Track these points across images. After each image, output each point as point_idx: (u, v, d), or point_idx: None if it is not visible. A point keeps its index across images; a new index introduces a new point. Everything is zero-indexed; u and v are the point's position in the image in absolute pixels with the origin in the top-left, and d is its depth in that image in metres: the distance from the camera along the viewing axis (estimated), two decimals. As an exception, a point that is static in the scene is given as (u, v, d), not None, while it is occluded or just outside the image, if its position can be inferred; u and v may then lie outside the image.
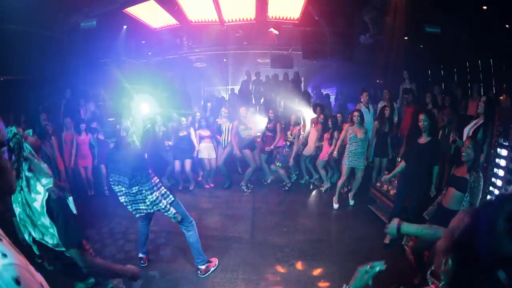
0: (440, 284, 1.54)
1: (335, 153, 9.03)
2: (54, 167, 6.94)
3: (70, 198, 6.33)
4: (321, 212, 8.86)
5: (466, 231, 1.43)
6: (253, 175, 10.26)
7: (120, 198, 5.35)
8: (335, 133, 9.53)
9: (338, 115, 10.31)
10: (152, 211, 5.38)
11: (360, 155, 8.56)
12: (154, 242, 6.89)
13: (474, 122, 6.85)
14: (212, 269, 5.94)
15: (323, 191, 10.07)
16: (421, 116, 6.45)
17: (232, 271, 5.97)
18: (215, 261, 6.08)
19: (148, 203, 5.21)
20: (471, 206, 4.64)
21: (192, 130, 10.05)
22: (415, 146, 6.54)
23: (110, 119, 5.22)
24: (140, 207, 5.35)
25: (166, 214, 5.36)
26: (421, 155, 6.44)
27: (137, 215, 5.51)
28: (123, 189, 5.18)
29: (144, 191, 5.13)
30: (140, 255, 6.11)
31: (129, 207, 5.38)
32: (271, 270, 6.01)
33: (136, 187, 5.11)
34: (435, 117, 7.26)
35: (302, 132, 10.05)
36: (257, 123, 10.57)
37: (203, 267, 5.80)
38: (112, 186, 5.36)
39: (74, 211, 5.96)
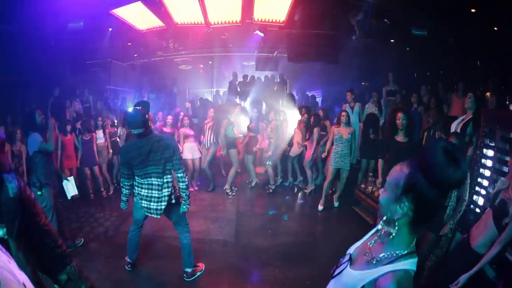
0: (393, 231, 1.85)
1: (323, 154, 9.11)
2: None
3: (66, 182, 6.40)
4: (306, 214, 8.92)
5: (414, 174, 1.73)
6: (236, 177, 10.24)
7: (140, 194, 5.38)
8: (315, 130, 9.56)
9: (320, 111, 10.35)
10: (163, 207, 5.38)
11: (346, 156, 8.59)
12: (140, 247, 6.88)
13: (462, 118, 6.88)
14: (199, 273, 5.91)
15: (307, 193, 10.09)
16: (400, 114, 6.48)
17: (217, 274, 5.96)
18: (202, 266, 6.06)
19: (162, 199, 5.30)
20: (459, 200, 4.77)
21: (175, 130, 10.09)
22: (394, 144, 6.57)
23: (137, 107, 5.19)
24: (157, 206, 5.37)
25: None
26: (399, 153, 6.47)
27: (151, 215, 5.45)
28: (155, 181, 5.24)
29: (166, 184, 5.26)
30: (129, 260, 6.04)
31: (148, 203, 5.38)
32: (256, 273, 6.03)
33: (165, 177, 5.25)
34: (412, 118, 7.29)
35: (282, 129, 10.07)
36: (240, 123, 10.56)
37: (189, 270, 5.78)
38: (138, 183, 5.36)
39: (76, 192, 5.96)
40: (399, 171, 1.83)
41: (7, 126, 9.92)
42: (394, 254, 1.83)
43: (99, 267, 6.17)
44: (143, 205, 5.38)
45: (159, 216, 5.44)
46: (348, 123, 8.62)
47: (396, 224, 1.83)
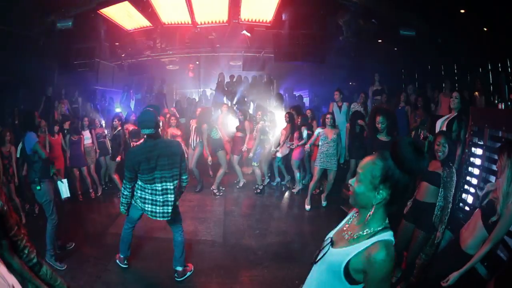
0: (370, 212, 2.19)
1: (307, 146, 9.14)
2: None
3: (60, 183, 6.46)
4: (294, 214, 8.94)
5: (387, 167, 2.12)
6: (223, 177, 10.25)
7: (143, 197, 5.40)
8: (302, 128, 9.62)
9: (308, 111, 10.39)
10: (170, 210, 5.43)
11: (332, 156, 8.64)
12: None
13: (446, 116, 6.92)
14: (189, 273, 5.95)
15: (295, 192, 10.13)
16: (379, 118, 6.55)
17: (206, 275, 5.99)
18: (191, 266, 6.09)
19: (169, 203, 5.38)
20: (445, 199, 4.79)
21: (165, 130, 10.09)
22: (378, 143, 6.62)
23: (149, 109, 5.23)
24: (164, 210, 5.41)
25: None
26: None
27: (157, 218, 5.45)
28: (161, 186, 5.26)
29: (171, 190, 5.34)
30: (122, 256, 6.08)
31: (153, 207, 5.39)
32: (245, 273, 6.05)
33: (172, 183, 5.31)
34: (393, 116, 7.31)
35: (268, 130, 10.09)
36: (228, 124, 10.57)
37: (181, 269, 5.82)
38: (142, 187, 5.37)
39: (68, 194, 5.99)
40: (372, 164, 2.19)
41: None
42: (373, 230, 2.16)
43: (88, 269, 6.19)
44: (146, 208, 5.39)
45: (167, 219, 5.50)
46: (333, 125, 8.68)
47: (374, 206, 2.16)
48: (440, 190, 4.83)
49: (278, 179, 10.84)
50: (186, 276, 5.87)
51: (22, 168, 8.58)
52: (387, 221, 2.20)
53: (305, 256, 6.38)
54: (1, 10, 9.53)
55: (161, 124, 5.50)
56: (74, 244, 6.98)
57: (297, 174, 10.05)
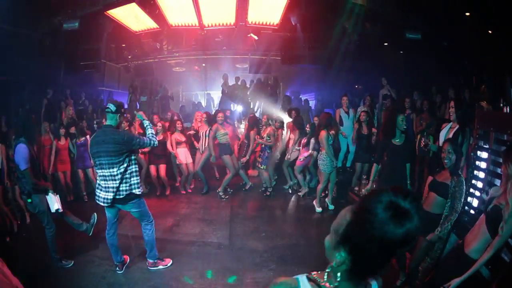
0: (334, 279, 1.70)
1: (314, 152, 9.12)
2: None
3: (50, 196, 6.41)
4: (300, 217, 8.90)
5: (350, 225, 1.59)
6: (230, 180, 10.18)
7: (99, 184, 5.68)
8: (312, 140, 9.56)
9: (315, 118, 10.34)
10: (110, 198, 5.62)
11: (333, 158, 8.64)
12: (135, 248, 6.86)
13: (450, 125, 6.89)
14: (161, 267, 6.12)
15: (301, 195, 10.09)
16: (401, 117, 6.52)
17: (211, 277, 5.96)
18: (168, 261, 6.23)
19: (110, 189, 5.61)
20: (452, 208, 4.65)
21: (168, 135, 10.06)
22: (390, 148, 6.59)
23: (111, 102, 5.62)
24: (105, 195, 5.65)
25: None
26: (397, 155, 6.50)
27: (99, 202, 5.73)
28: (106, 172, 5.54)
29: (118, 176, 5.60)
30: (115, 262, 6.10)
31: (98, 192, 5.71)
32: (250, 275, 6.01)
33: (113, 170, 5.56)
34: (408, 120, 7.33)
35: (277, 134, 10.06)
36: (234, 129, 10.56)
37: (151, 261, 6.05)
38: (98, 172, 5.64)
39: (58, 208, 6.01)
40: (343, 216, 1.73)
41: (1, 126, 9.88)
42: None
43: (93, 269, 6.21)
44: (95, 193, 5.76)
45: (106, 205, 5.70)
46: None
47: (337, 271, 1.70)
48: (448, 200, 4.74)
49: (290, 182, 10.70)
50: (157, 268, 6.08)
51: None
52: None
53: (311, 259, 6.33)
54: (7, 11, 9.55)
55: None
56: (73, 262, 6.86)
57: (300, 179, 10.01)
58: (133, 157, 5.68)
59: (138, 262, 6.25)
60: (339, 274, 1.68)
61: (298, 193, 10.22)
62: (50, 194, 6.25)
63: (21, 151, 5.95)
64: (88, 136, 9.77)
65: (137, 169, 5.80)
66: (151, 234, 6.00)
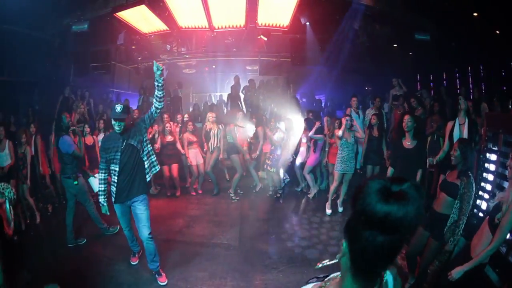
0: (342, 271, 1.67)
1: (325, 159, 9.13)
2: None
3: (91, 179, 7.02)
4: (310, 219, 8.79)
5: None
6: (240, 181, 10.19)
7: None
8: (319, 140, 9.58)
9: (326, 118, 10.30)
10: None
11: (351, 159, 8.60)
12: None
13: (458, 122, 6.88)
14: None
15: (310, 197, 10.05)
16: (406, 117, 6.51)
17: (220, 278, 5.96)
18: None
19: None
20: (461, 211, 4.56)
21: (177, 135, 10.07)
22: (401, 150, 6.56)
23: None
24: None
25: None
26: (408, 159, 6.47)
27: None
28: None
29: None
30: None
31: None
32: (259, 277, 6.00)
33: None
34: (420, 122, 7.29)
35: (286, 136, 10.02)
36: (245, 129, 10.54)
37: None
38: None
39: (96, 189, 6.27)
40: None
41: (10, 126, 9.96)
42: None
43: (101, 268, 6.23)
44: None
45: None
46: (349, 129, 8.61)
47: (342, 264, 1.64)
48: (456, 201, 4.67)
49: (302, 185, 10.64)
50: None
51: (38, 165, 8.88)
52: None
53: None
54: (17, 13, 9.62)
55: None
56: (85, 240, 7.34)
57: (309, 179, 9.97)
58: None
59: (146, 263, 6.27)
60: (346, 273, 1.62)
61: (308, 195, 10.17)
62: (91, 177, 6.90)
63: (67, 139, 7.13)
64: (95, 137, 9.85)
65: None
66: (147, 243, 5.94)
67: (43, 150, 9.30)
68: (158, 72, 5.26)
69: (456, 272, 3.82)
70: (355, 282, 1.58)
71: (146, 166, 5.77)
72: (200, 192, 10.51)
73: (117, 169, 5.57)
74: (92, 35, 12.32)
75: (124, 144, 5.52)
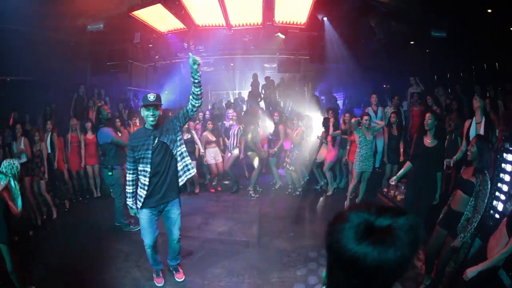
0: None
1: (345, 157, 9.07)
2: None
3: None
4: (328, 217, 8.64)
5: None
6: (258, 178, 10.24)
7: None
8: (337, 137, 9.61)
9: (346, 114, 10.25)
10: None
11: (370, 158, 8.58)
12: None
13: (475, 121, 6.82)
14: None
15: (328, 194, 10.06)
16: (428, 115, 6.43)
17: (238, 275, 5.95)
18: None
19: None
20: (475, 209, 4.50)
21: (194, 132, 10.05)
22: (422, 148, 6.49)
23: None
24: None
25: None
26: (427, 158, 6.40)
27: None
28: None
29: None
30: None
31: None
32: (277, 275, 5.98)
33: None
34: (442, 120, 7.21)
35: (306, 134, 10.00)
36: (265, 126, 10.53)
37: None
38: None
39: None
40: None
41: (25, 125, 10.12)
42: None
43: (118, 264, 6.31)
44: None
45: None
46: (369, 126, 8.56)
47: None
48: (471, 199, 4.62)
49: (321, 183, 10.61)
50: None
51: (54, 161, 9.18)
52: None
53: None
54: (33, 13, 9.72)
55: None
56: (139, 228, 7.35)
57: (329, 176, 9.95)
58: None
59: (166, 258, 6.28)
60: None
61: (327, 193, 10.14)
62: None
63: (106, 130, 7.42)
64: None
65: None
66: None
67: (61, 147, 9.54)
68: (195, 67, 4.71)
69: (471, 272, 3.77)
70: None
71: (179, 168, 5.29)
72: (219, 189, 10.56)
73: (149, 169, 5.04)
74: (108, 34, 12.38)
75: (155, 141, 5.01)
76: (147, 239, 5.32)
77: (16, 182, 4.81)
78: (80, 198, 10.08)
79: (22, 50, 10.40)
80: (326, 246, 1.28)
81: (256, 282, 5.79)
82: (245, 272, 6.04)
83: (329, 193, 10.08)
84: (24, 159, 7.94)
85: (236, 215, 8.68)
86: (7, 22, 9.83)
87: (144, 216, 5.23)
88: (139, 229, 5.71)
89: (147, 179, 5.04)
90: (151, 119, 4.92)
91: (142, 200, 5.12)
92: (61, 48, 12.20)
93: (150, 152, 5.00)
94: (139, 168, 5.10)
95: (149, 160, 5.01)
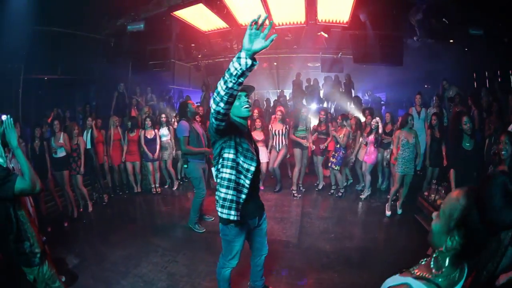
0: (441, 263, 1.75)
1: (394, 160, 8.91)
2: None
3: (213, 169, 7.32)
4: (370, 220, 8.67)
5: (466, 210, 1.61)
6: (299, 177, 10.28)
7: None
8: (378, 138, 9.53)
9: (387, 114, 10.17)
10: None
11: (411, 160, 8.41)
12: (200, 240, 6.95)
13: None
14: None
15: (362, 198, 9.90)
16: (464, 118, 6.29)
17: (276, 273, 5.96)
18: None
19: None
20: None
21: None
22: (460, 152, 6.36)
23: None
24: None
25: None
26: (466, 161, 6.27)
27: None
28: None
29: None
30: None
31: None
32: (315, 276, 5.93)
33: None
34: (479, 122, 7.04)
35: (351, 136, 9.91)
36: (309, 124, 10.49)
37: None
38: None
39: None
40: (455, 201, 1.71)
41: (65, 121, 10.38)
42: (423, 275, 1.81)
43: (155, 259, 6.40)
44: None
45: None
46: (412, 127, 8.43)
47: (445, 256, 1.75)
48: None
49: (363, 184, 10.38)
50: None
51: (94, 156, 9.51)
52: (442, 277, 1.75)
53: (376, 264, 6.24)
54: (73, 14, 9.94)
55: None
56: (214, 218, 7.85)
57: (369, 179, 9.83)
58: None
59: (203, 255, 6.30)
60: (447, 259, 1.73)
61: (360, 196, 10.03)
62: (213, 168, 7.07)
63: (183, 124, 7.45)
64: (157, 130, 10.16)
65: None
66: None
67: (102, 141, 9.85)
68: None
69: (506, 277, 3.67)
70: (453, 266, 1.74)
71: None
72: (262, 188, 10.46)
73: (253, 168, 3.94)
74: (148, 34, 12.57)
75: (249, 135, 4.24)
76: (234, 262, 4.59)
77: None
78: (120, 193, 10.28)
79: (62, 50, 10.76)
80: (477, 214, 1.58)
81: (294, 282, 5.77)
82: (284, 272, 6.03)
83: (363, 196, 9.94)
84: (61, 154, 8.26)
85: (278, 215, 8.67)
86: (48, 24, 10.09)
87: (241, 236, 4.37)
88: (204, 231, 5.75)
89: (248, 181, 3.94)
90: (247, 106, 4.08)
91: (236, 208, 3.97)
92: (102, 48, 12.52)
93: (251, 145, 4.09)
94: (239, 166, 3.91)
95: (253, 156, 3.98)
